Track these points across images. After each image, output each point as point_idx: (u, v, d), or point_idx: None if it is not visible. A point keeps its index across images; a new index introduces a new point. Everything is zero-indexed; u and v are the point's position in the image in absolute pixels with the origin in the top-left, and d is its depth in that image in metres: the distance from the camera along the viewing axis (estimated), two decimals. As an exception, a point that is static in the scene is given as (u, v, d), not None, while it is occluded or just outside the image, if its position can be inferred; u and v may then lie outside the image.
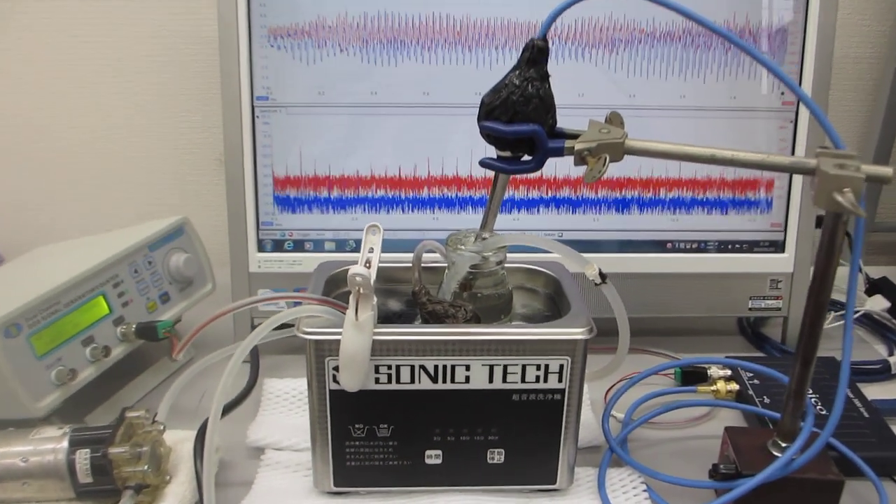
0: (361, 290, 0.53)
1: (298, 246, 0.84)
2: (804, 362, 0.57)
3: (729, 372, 0.77)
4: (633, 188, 0.83)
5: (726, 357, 0.78)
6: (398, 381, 0.56)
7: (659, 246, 0.84)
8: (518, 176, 0.80)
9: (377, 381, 0.56)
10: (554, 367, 0.56)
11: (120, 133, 1.10)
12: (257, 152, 0.81)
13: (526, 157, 0.55)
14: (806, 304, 0.55)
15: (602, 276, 0.59)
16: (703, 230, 0.84)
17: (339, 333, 0.54)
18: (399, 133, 0.81)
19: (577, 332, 0.55)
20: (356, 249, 0.84)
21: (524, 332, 0.56)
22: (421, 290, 0.61)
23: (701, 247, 0.84)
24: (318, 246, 0.84)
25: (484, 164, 0.57)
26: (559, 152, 0.54)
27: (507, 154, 0.55)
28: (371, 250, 0.58)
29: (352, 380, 0.55)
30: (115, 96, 1.08)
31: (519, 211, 0.84)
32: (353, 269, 0.52)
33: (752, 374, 0.77)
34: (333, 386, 0.56)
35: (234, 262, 0.83)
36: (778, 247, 0.85)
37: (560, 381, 0.56)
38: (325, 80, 0.79)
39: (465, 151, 0.82)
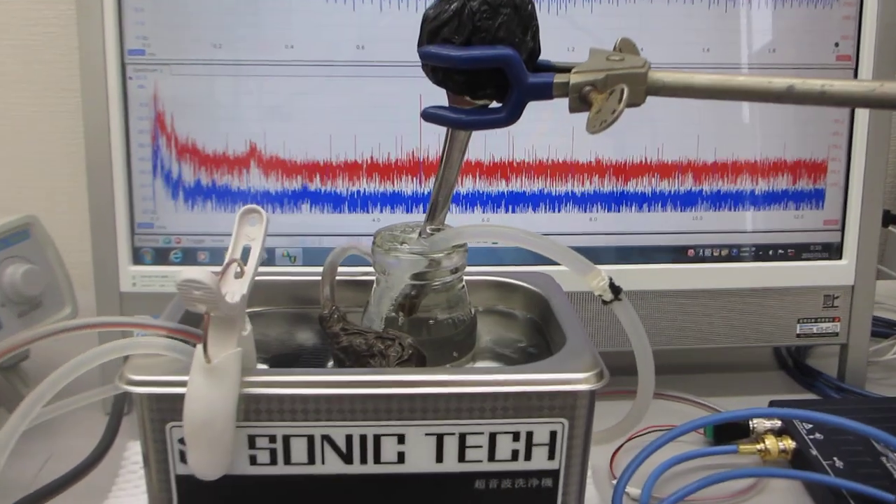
0: (210, 312, 0.32)
1: (189, 256, 0.64)
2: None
3: (778, 423, 0.59)
4: (641, 176, 0.65)
5: (772, 405, 0.61)
6: (288, 462, 0.38)
7: (677, 253, 0.67)
8: (481, 148, 0.59)
9: (253, 461, 0.37)
10: (541, 435, 0.38)
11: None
12: (130, 126, 0.62)
13: (494, 105, 0.38)
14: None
15: (615, 289, 0.42)
16: (735, 231, 0.67)
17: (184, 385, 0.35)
18: (325, 101, 0.63)
19: (578, 379, 0.38)
20: (270, 262, 0.63)
21: (495, 378, 0.38)
22: (332, 315, 0.40)
23: (733, 254, 0.68)
24: (216, 256, 0.64)
25: (428, 115, 0.39)
26: (545, 91, 0.37)
27: (465, 100, 0.38)
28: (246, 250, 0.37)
29: (208, 460, 0.36)
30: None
31: (488, 209, 0.65)
32: (185, 273, 0.30)
33: (811, 426, 0.57)
34: (181, 469, 0.37)
35: (98, 278, 0.63)
36: (833, 251, 0.68)
37: (551, 457, 0.38)
38: (222, 30, 0.61)
39: (416, 125, 0.62)
